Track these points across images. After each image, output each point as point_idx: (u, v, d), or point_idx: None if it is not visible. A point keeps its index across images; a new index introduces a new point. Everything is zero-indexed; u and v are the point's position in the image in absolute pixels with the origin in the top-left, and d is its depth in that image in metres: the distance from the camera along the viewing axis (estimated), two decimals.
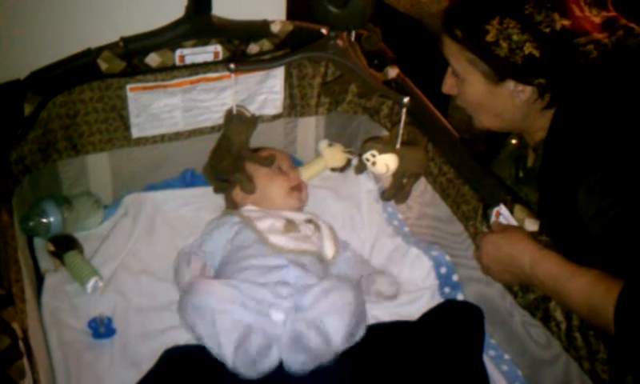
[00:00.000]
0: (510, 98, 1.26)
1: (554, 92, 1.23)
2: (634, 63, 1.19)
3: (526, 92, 1.24)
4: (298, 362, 1.16)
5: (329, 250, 1.45)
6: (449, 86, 1.36)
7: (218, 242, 1.42)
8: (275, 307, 1.24)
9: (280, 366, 1.18)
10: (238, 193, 1.53)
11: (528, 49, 1.17)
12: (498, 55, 1.20)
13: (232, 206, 1.55)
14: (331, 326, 1.19)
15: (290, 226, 1.43)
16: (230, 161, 1.48)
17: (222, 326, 1.17)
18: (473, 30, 1.23)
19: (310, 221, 1.48)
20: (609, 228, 1.08)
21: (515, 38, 1.18)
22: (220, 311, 1.19)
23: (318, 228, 1.47)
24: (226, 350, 1.16)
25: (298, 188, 1.55)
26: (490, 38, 1.20)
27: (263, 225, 1.41)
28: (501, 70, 1.23)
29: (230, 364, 1.16)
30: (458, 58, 1.29)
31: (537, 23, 1.17)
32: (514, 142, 1.50)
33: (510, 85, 1.24)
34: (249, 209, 1.50)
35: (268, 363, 1.17)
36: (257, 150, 1.60)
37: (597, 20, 1.20)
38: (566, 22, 1.17)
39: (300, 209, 1.54)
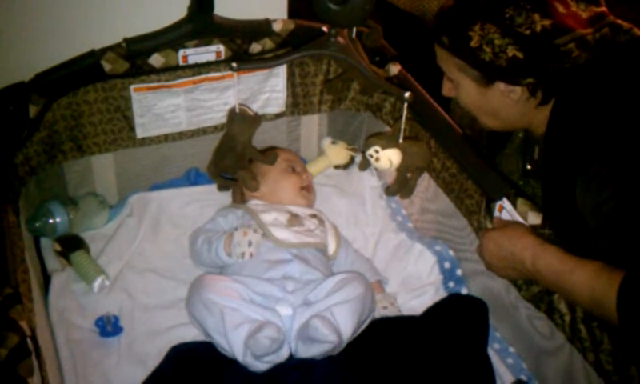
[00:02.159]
0: (503, 99, 1.27)
1: (545, 89, 1.23)
2: (626, 58, 1.20)
3: (517, 92, 1.25)
4: (308, 353, 1.17)
5: (330, 245, 1.46)
6: (447, 89, 1.38)
7: (231, 226, 1.44)
8: (282, 302, 1.25)
9: (286, 361, 1.19)
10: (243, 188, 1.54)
11: (511, 52, 1.18)
12: (483, 60, 1.22)
13: (238, 200, 1.56)
14: (340, 318, 1.20)
15: (294, 219, 1.44)
16: (234, 159, 1.48)
17: (231, 322, 1.18)
18: (457, 37, 1.25)
19: (314, 215, 1.49)
20: (606, 221, 1.08)
21: (497, 42, 1.19)
22: (228, 307, 1.20)
23: (322, 222, 1.48)
24: (235, 345, 1.16)
25: (308, 189, 1.56)
26: (473, 43, 1.21)
27: (268, 217, 1.42)
28: (488, 73, 1.24)
29: (240, 358, 1.17)
30: (448, 64, 1.31)
31: (517, 26, 1.18)
32: (520, 135, 1.50)
33: (500, 86, 1.25)
34: (254, 203, 1.51)
35: (277, 357, 1.18)
36: (267, 149, 1.62)
37: (584, 15, 1.20)
38: (547, 23, 1.18)
39: (308, 207, 1.55)
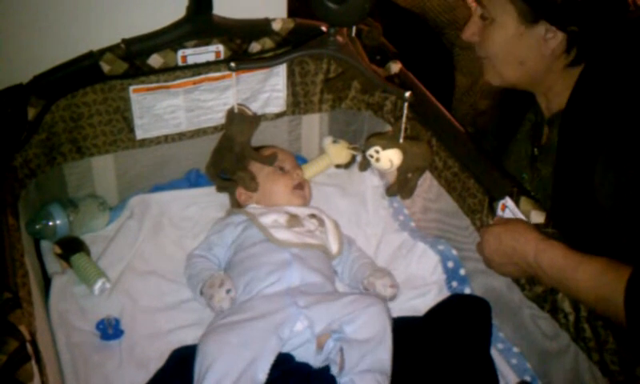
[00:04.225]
0: (538, 45, 1.25)
1: (581, 46, 1.21)
2: None
3: (557, 39, 1.22)
4: None
5: (333, 245, 1.45)
6: (470, 32, 1.35)
7: (225, 243, 1.42)
8: (294, 319, 1.22)
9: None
10: (241, 193, 1.53)
11: None
12: None
13: (236, 205, 1.55)
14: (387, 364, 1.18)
15: (294, 220, 1.43)
16: (233, 160, 1.48)
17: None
18: None
19: (313, 216, 1.48)
20: (626, 207, 1.06)
21: None
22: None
23: (321, 223, 1.47)
24: None
25: (300, 186, 1.54)
26: None
27: (267, 220, 1.41)
28: (538, 8, 1.21)
29: None
30: None
31: None
32: (530, 117, 1.47)
33: (542, 29, 1.23)
34: (253, 207, 1.50)
35: None
36: (259, 148, 1.60)
37: None
38: None
39: (304, 205, 1.54)
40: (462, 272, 1.48)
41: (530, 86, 1.37)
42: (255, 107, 1.63)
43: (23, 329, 0.98)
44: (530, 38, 1.25)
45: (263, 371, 1.14)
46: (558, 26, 1.21)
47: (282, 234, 1.38)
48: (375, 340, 1.19)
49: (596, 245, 1.07)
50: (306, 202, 1.55)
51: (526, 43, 1.26)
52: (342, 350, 1.18)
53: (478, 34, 1.33)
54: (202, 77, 1.52)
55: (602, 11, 1.18)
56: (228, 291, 1.27)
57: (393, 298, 1.36)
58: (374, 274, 1.38)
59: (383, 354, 1.18)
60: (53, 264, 1.42)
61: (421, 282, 1.48)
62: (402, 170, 1.44)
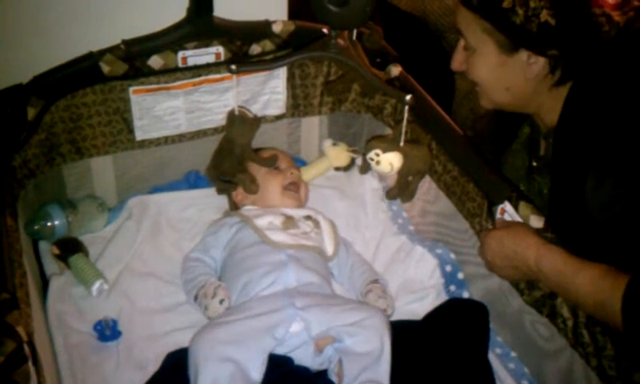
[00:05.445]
0: (522, 70, 1.25)
1: (565, 66, 1.22)
2: None
3: (539, 63, 1.23)
4: None
5: (329, 247, 1.44)
6: (458, 62, 1.35)
7: (220, 244, 1.42)
8: (291, 319, 1.22)
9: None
10: (238, 193, 1.53)
11: (544, 16, 1.17)
12: (513, 22, 1.20)
13: (234, 207, 1.55)
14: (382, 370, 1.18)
15: (289, 222, 1.43)
16: (233, 162, 1.48)
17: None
18: None
19: (309, 217, 1.48)
20: (615, 220, 1.07)
21: (532, 4, 1.18)
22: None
23: (317, 224, 1.47)
24: None
25: (295, 186, 1.53)
26: (506, 4, 1.19)
27: (262, 222, 1.41)
28: (515, 38, 1.22)
29: None
30: (472, 27, 1.28)
31: None
32: (526, 130, 1.48)
33: (523, 56, 1.24)
34: (248, 208, 1.50)
35: None
36: (258, 150, 1.60)
37: (611, 0, 1.19)
38: None
39: (299, 207, 1.53)
40: (460, 276, 1.48)
41: (521, 108, 1.38)
42: (255, 109, 1.63)
43: (20, 330, 0.98)
44: (513, 65, 1.26)
45: (256, 369, 1.13)
46: (538, 52, 1.22)
47: (277, 236, 1.38)
48: (374, 353, 1.18)
49: (591, 255, 1.08)
50: (300, 203, 1.54)
51: (510, 70, 1.27)
52: (340, 361, 1.18)
53: (464, 63, 1.34)
54: (202, 78, 1.52)
55: (577, 33, 1.18)
56: (221, 301, 1.27)
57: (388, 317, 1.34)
58: (369, 295, 1.36)
59: (382, 367, 1.18)
60: (51, 265, 1.42)
61: (419, 286, 1.48)
62: (402, 173, 1.44)
